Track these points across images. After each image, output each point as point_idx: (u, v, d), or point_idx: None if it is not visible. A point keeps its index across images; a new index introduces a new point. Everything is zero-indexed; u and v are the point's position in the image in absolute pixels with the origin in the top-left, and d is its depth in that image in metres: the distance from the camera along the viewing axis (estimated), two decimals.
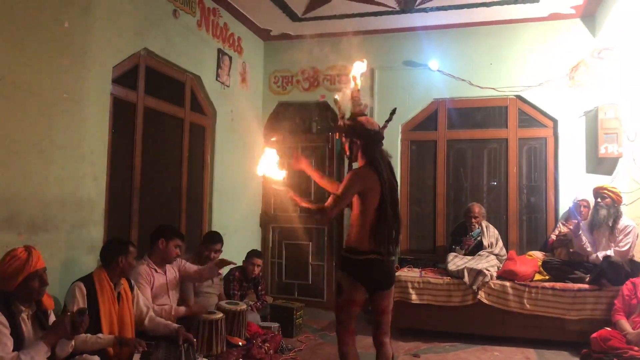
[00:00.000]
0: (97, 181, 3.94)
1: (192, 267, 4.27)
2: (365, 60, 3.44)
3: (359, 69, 3.37)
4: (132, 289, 3.56)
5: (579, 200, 5.41)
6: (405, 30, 6.34)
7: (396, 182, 3.31)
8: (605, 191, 4.99)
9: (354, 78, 3.31)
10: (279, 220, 6.79)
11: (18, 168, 3.24)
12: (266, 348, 4.22)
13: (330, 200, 3.10)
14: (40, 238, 3.33)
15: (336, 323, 3.18)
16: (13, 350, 2.54)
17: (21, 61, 3.25)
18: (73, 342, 2.89)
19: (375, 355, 3.22)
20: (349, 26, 6.29)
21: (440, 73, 6.24)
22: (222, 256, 4.87)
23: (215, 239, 4.71)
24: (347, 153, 3.29)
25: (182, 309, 3.99)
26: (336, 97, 3.46)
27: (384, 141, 3.29)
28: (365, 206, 3.11)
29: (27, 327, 2.69)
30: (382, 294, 3.18)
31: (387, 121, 3.36)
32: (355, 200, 3.14)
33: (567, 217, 5.60)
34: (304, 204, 3.24)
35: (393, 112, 3.46)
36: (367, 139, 3.18)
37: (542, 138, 6.08)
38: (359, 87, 3.34)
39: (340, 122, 3.31)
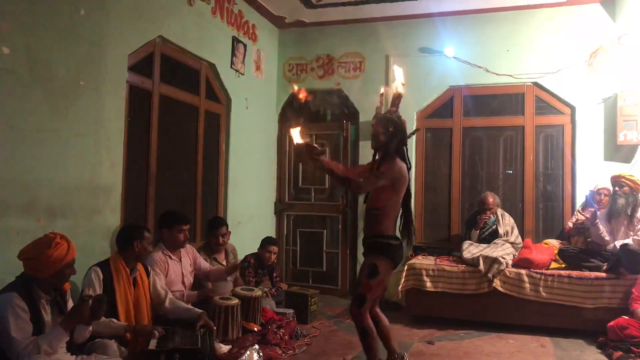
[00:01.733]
0: (113, 168, 3.98)
1: (205, 265, 4.34)
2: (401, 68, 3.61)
3: (400, 74, 3.56)
4: (148, 274, 3.60)
5: (599, 189, 5.34)
6: (420, 17, 6.27)
7: None
8: (624, 180, 4.92)
9: (403, 84, 3.52)
10: (293, 208, 6.81)
11: (36, 155, 3.28)
12: (281, 334, 4.25)
13: (365, 175, 3.40)
14: (58, 224, 3.37)
15: (360, 302, 3.39)
16: (33, 335, 2.59)
17: (38, 49, 3.28)
18: (90, 328, 2.94)
19: (376, 325, 3.49)
20: (364, 13, 6.25)
21: (456, 60, 6.18)
22: (235, 242, 4.92)
23: (219, 223, 4.76)
24: (381, 143, 3.47)
25: (195, 293, 4.04)
26: (382, 90, 3.81)
27: None
28: (398, 196, 3.45)
29: (46, 312, 2.74)
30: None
31: (410, 135, 3.62)
32: (386, 190, 3.39)
33: (584, 206, 5.54)
34: (330, 165, 3.43)
35: (413, 133, 3.88)
36: (403, 137, 3.50)
37: (559, 125, 6.01)
38: (401, 91, 3.53)
39: (392, 114, 3.49)
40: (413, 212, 6.08)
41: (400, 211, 3.55)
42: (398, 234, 3.54)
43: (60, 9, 3.44)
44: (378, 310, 3.61)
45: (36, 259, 2.66)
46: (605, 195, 5.30)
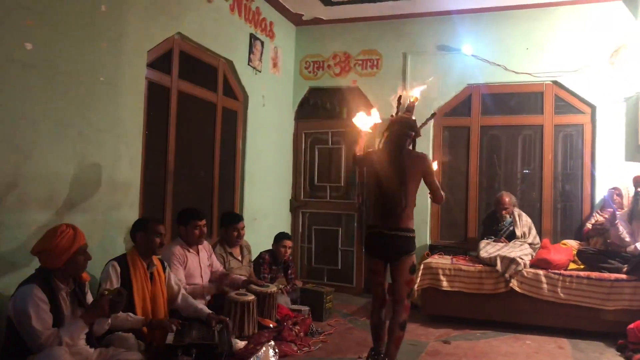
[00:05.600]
0: (132, 163, 4.01)
1: (217, 265, 4.36)
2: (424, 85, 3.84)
3: (418, 90, 3.79)
4: (164, 269, 3.62)
5: (611, 189, 5.27)
6: (439, 14, 6.22)
7: None
8: None
9: (416, 99, 3.74)
10: (309, 205, 6.81)
11: (56, 150, 3.32)
12: (296, 330, 4.26)
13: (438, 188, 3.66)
14: (78, 218, 3.40)
15: (405, 297, 3.56)
16: (53, 326, 2.62)
17: (60, 45, 3.32)
18: (109, 320, 2.97)
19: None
20: (382, 10, 6.22)
21: (474, 58, 6.13)
22: (250, 239, 4.92)
23: (238, 217, 4.79)
24: (405, 145, 3.67)
25: (213, 286, 4.05)
26: (400, 94, 3.89)
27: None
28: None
29: (66, 304, 2.78)
30: None
31: (427, 120, 3.85)
32: (418, 180, 3.59)
33: (602, 206, 5.47)
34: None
35: (432, 116, 3.93)
36: (416, 136, 3.71)
37: (579, 125, 5.93)
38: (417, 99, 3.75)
39: (410, 115, 3.71)
40: (429, 211, 6.12)
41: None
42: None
43: (81, 6, 3.48)
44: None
45: (45, 250, 2.71)
46: (617, 194, 5.23)
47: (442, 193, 3.64)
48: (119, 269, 3.32)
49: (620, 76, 5.62)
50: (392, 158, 3.57)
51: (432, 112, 3.86)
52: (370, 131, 3.79)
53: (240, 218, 4.77)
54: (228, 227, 4.69)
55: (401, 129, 3.62)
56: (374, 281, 3.69)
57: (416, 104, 3.73)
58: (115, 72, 3.80)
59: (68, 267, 2.75)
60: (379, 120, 3.78)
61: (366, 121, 3.75)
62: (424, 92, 3.84)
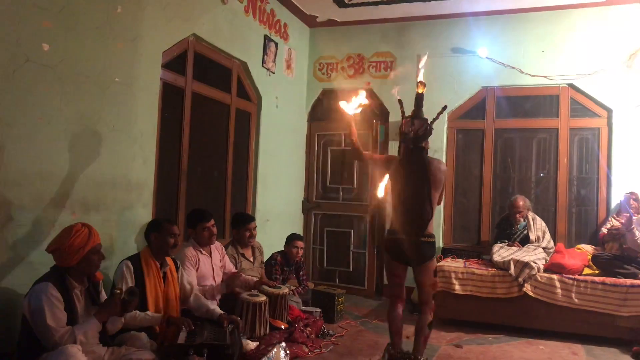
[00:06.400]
0: (146, 164, 4.04)
1: (229, 266, 4.36)
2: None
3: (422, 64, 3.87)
4: (177, 269, 3.64)
5: (627, 194, 5.20)
6: (453, 17, 6.20)
7: None
8: None
9: (423, 89, 3.72)
10: (321, 207, 6.81)
11: (72, 149, 3.35)
12: (308, 332, 4.25)
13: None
14: (92, 217, 3.44)
15: (431, 299, 3.66)
16: (67, 324, 2.65)
17: (77, 46, 3.35)
18: (123, 319, 2.99)
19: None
20: (396, 12, 6.21)
21: (489, 60, 6.09)
22: (262, 240, 4.92)
23: (250, 218, 4.78)
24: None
25: (224, 286, 4.07)
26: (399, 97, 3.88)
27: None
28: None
29: (79, 302, 2.81)
30: None
31: (439, 114, 3.70)
32: (438, 192, 3.63)
33: (619, 211, 5.40)
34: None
35: (443, 109, 3.76)
36: (429, 134, 3.69)
37: (595, 128, 5.86)
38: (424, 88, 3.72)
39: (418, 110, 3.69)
40: (442, 214, 6.09)
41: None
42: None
43: (97, 7, 3.51)
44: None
45: (60, 249, 2.74)
46: (633, 199, 5.17)
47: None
48: (132, 268, 3.34)
49: (637, 79, 5.55)
50: (415, 165, 3.59)
51: (443, 107, 3.76)
52: (359, 112, 3.82)
53: (252, 219, 4.78)
54: (240, 227, 4.69)
55: (417, 132, 3.59)
56: (394, 282, 3.78)
57: (424, 93, 3.67)
58: (131, 72, 3.83)
59: (82, 265, 2.77)
60: (365, 101, 3.80)
61: (352, 104, 3.79)
62: (438, 95, 3.82)
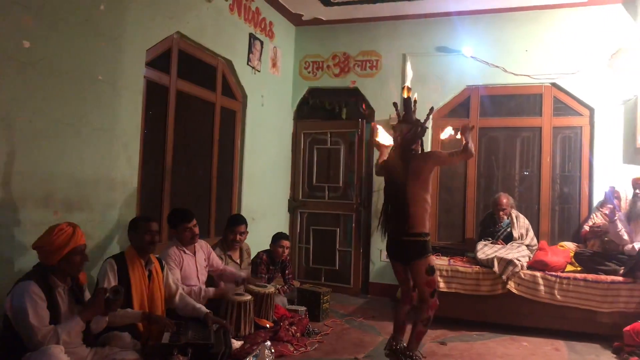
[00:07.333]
0: (130, 162, 4.01)
1: (218, 263, 4.34)
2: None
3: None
4: (162, 268, 3.62)
5: (612, 186, 5.28)
6: (438, 16, 6.24)
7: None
8: None
9: (408, 93, 3.81)
10: (307, 205, 6.81)
11: (54, 148, 3.32)
12: (293, 331, 4.26)
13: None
14: (75, 217, 3.40)
15: (428, 297, 3.64)
16: (50, 323, 2.62)
17: (58, 43, 3.32)
18: (107, 318, 2.97)
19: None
20: (382, 11, 6.23)
21: (473, 59, 6.13)
22: (248, 239, 4.91)
23: (239, 220, 4.74)
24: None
25: (212, 290, 4.04)
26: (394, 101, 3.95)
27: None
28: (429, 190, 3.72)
29: (63, 301, 2.78)
30: None
31: (428, 116, 3.77)
32: (425, 184, 3.63)
33: (603, 203, 5.45)
34: None
35: (431, 110, 3.82)
36: (422, 134, 3.78)
37: (577, 127, 5.94)
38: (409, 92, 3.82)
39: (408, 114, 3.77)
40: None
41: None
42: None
43: (80, 4, 3.48)
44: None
45: (42, 246, 2.72)
46: (616, 197, 5.24)
47: (456, 151, 3.59)
48: (116, 266, 3.31)
49: (619, 79, 5.63)
50: (397, 163, 3.69)
51: (430, 109, 3.83)
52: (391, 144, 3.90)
53: (241, 221, 4.74)
54: (227, 229, 4.70)
55: (405, 135, 3.70)
56: (398, 280, 3.88)
57: (410, 97, 3.75)
58: (114, 70, 3.80)
59: (63, 265, 2.75)
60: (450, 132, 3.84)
61: (386, 137, 3.98)
62: (423, 94, 3.90)
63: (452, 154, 3.60)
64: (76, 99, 3.47)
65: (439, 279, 5.08)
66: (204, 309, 3.59)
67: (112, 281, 3.23)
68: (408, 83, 3.84)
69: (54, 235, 2.72)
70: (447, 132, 3.81)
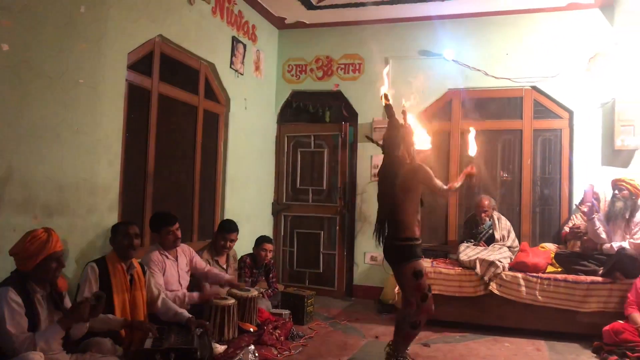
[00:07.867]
0: (111, 166, 3.98)
1: (201, 265, 4.32)
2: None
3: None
4: (144, 273, 3.59)
5: (591, 184, 5.35)
6: (420, 20, 6.29)
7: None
8: (624, 183, 4.93)
9: (387, 102, 3.92)
10: (291, 208, 6.81)
11: (34, 152, 3.27)
12: (277, 334, 4.25)
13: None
14: (56, 221, 3.36)
15: (415, 302, 3.63)
16: (28, 330, 2.59)
17: (38, 46, 3.28)
18: (88, 324, 2.93)
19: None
20: (364, 15, 6.26)
21: (455, 63, 6.20)
22: (236, 244, 4.90)
23: (231, 228, 4.72)
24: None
25: (196, 295, 4.01)
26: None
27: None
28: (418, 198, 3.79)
29: (42, 307, 2.74)
30: None
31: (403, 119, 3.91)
32: (415, 191, 3.72)
33: (582, 200, 5.50)
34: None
35: (404, 113, 3.95)
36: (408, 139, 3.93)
37: (557, 129, 6.02)
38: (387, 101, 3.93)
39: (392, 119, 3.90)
40: None
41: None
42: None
43: (60, 6, 3.44)
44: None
45: (17, 253, 2.69)
46: (595, 199, 5.30)
47: (443, 187, 3.82)
48: (97, 271, 3.28)
49: (596, 82, 5.73)
50: (385, 169, 3.80)
51: (414, 112, 3.92)
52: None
53: (233, 229, 4.72)
54: (217, 234, 4.68)
55: (388, 138, 3.80)
56: (397, 284, 3.95)
57: (389, 104, 3.85)
58: (95, 73, 3.76)
59: (38, 272, 2.70)
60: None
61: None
62: (405, 97, 3.97)
63: (439, 185, 3.77)
64: (56, 103, 3.43)
65: None
66: (186, 313, 3.57)
67: (93, 286, 3.19)
68: (385, 90, 3.88)
69: (27, 242, 2.69)
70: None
